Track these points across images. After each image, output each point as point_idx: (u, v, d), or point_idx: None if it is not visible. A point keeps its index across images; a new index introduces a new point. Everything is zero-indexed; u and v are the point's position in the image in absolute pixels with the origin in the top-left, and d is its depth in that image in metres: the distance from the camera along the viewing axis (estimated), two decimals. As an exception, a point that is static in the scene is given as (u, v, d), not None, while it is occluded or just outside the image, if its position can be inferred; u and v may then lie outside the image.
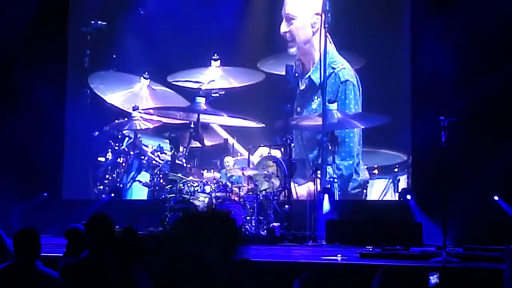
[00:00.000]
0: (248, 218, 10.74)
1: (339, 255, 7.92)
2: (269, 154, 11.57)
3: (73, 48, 13.45)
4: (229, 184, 11.17)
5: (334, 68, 12.07)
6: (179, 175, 11.77)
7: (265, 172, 11.32)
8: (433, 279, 5.66)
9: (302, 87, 12.53)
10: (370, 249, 8.26)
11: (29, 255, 4.31)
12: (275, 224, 10.59)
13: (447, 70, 10.76)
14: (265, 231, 10.57)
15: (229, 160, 11.74)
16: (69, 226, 5.60)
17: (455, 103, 10.12)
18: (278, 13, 12.59)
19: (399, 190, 11.47)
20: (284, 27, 12.50)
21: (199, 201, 11.18)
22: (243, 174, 11.24)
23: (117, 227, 5.33)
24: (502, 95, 10.64)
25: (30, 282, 4.26)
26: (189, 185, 11.43)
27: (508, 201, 10.33)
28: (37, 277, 4.24)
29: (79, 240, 5.32)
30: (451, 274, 6.22)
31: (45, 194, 12.74)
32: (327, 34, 12.09)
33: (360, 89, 12.10)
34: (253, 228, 10.70)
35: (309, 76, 12.42)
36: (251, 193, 11.03)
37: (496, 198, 10.45)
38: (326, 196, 11.01)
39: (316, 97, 12.38)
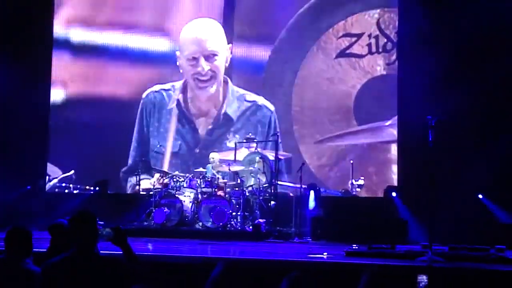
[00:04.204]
0: (233, 214, 10.71)
1: (325, 253, 7.92)
2: (256, 150, 11.51)
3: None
4: (215, 180, 11.13)
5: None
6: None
7: (251, 168, 11.28)
8: (422, 281, 5.67)
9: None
10: (356, 248, 8.26)
11: (19, 252, 4.29)
12: (260, 220, 10.56)
13: (433, 70, 10.80)
14: (251, 227, 10.55)
15: (214, 156, 11.69)
16: (52, 221, 5.53)
17: (441, 102, 10.17)
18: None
19: (385, 188, 11.50)
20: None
21: (185, 196, 11.13)
22: (229, 169, 11.20)
23: (101, 222, 5.28)
24: (487, 95, 10.71)
25: (16, 279, 4.23)
26: (175, 179, 11.39)
27: (493, 200, 10.41)
28: (24, 275, 4.21)
29: (63, 235, 5.27)
30: (436, 274, 6.24)
31: (29, 187, 12.66)
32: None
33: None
34: (238, 224, 10.67)
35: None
36: (237, 189, 10.99)
37: (480, 196, 10.52)
38: (312, 192, 11.01)
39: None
